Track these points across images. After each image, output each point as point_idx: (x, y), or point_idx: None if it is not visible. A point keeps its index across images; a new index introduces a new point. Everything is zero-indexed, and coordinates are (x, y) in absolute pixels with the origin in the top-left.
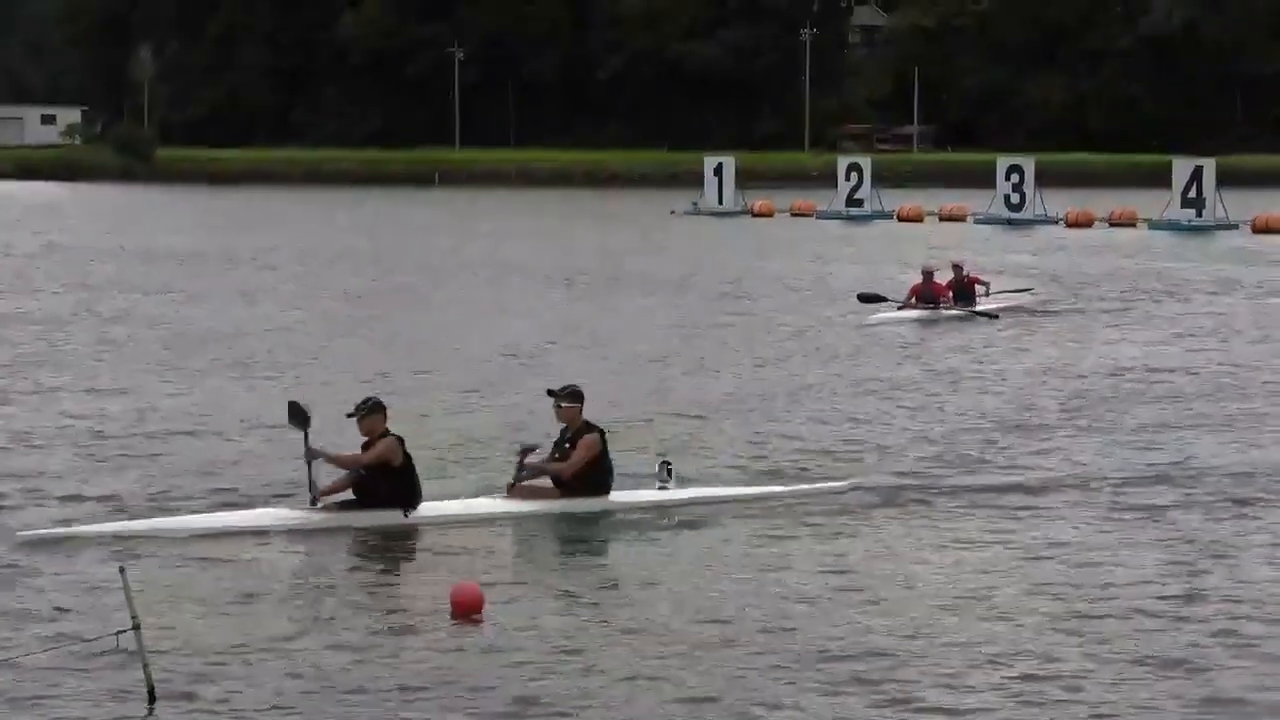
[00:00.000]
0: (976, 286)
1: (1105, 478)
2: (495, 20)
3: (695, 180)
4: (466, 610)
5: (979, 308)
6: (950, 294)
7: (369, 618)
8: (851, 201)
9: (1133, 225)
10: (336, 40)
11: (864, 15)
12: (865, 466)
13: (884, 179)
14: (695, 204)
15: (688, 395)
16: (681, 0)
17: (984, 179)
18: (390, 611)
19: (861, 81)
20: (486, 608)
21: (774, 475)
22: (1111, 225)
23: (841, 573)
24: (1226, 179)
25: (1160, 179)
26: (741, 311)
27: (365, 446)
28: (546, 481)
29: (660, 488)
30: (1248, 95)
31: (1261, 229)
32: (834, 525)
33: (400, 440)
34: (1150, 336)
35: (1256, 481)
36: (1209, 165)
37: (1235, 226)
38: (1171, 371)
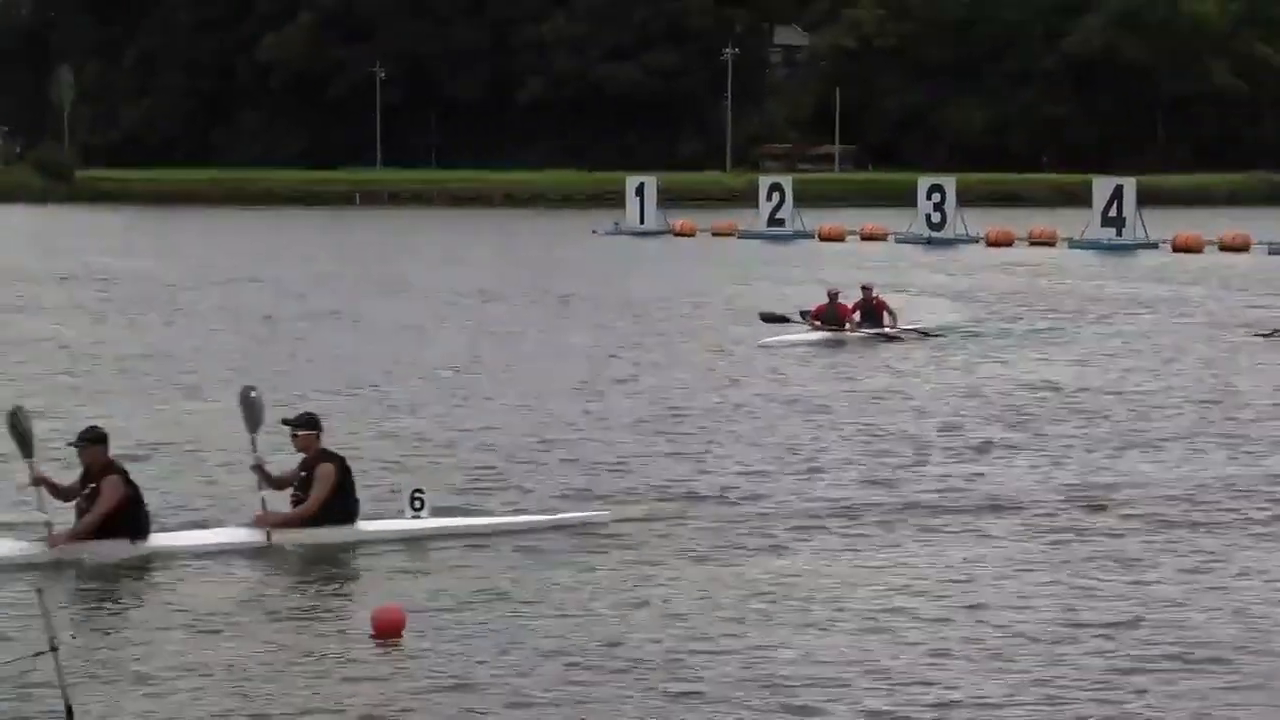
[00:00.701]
0: (885, 313)
1: (1012, 498)
2: (417, 42)
3: (618, 201)
4: (387, 632)
5: (916, 326)
6: (856, 315)
7: (289, 639)
8: (773, 221)
9: (1053, 244)
10: (258, 62)
11: (785, 35)
12: (699, 489)
13: (806, 199)
14: (617, 224)
15: (543, 418)
16: (604, 22)
17: (905, 199)
18: (309, 634)
19: (783, 102)
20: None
21: (566, 501)
22: (1032, 244)
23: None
24: (1147, 198)
25: (1081, 199)
26: (644, 331)
27: (84, 478)
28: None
29: (412, 516)
30: (1168, 116)
31: (1181, 248)
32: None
33: (123, 473)
34: (1070, 355)
35: (1179, 500)
36: (1129, 184)
37: (1155, 245)
38: (1091, 391)
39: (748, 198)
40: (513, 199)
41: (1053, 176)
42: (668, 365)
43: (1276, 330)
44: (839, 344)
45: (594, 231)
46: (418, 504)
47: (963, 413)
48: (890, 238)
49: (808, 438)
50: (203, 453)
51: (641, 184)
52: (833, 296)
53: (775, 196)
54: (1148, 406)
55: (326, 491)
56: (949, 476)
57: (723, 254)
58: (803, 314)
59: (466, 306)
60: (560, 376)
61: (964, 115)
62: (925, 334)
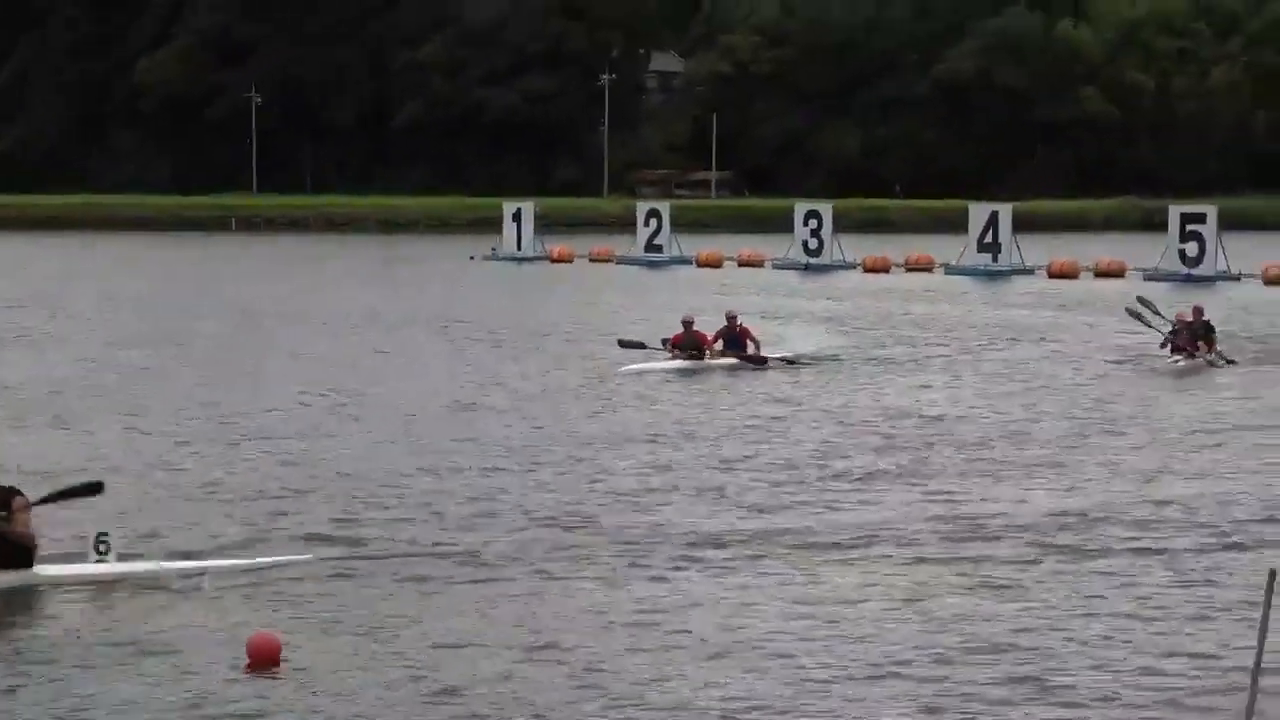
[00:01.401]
0: (748, 341)
1: (879, 525)
2: (293, 67)
3: (494, 226)
4: (262, 659)
5: (781, 355)
6: (718, 343)
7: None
8: (651, 247)
9: (930, 270)
10: (132, 85)
11: (662, 61)
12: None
13: (683, 224)
14: (494, 250)
15: (389, 449)
16: (481, 47)
17: (782, 224)
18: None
19: (659, 128)
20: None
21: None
22: (909, 270)
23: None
24: (1023, 224)
25: (957, 224)
26: (513, 357)
27: None
28: None
29: (97, 560)
30: (1046, 141)
31: (1057, 274)
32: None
33: None
34: (941, 382)
35: (1051, 528)
36: (1005, 210)
37: (1031, 271)
38: (963, 418)
39: (625, 223)
40: (389, 224)
41: (929, 203)
42: (534, 393)
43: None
44: (699, 372)
45: (471, 258)
46: (102, 548)
47: (830, 440)
48: (768, 263)
49: (666, 465)
50: None
51: (519, 209)
52: (688, 324)
53: (653, 222)
54: (1018, 433)
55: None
56: (816, 504)
57: (600, 280)
58: (663, 341)
59: (337, 333)
60: (421, 404)
61: (839, 140)
62: (790, 362)
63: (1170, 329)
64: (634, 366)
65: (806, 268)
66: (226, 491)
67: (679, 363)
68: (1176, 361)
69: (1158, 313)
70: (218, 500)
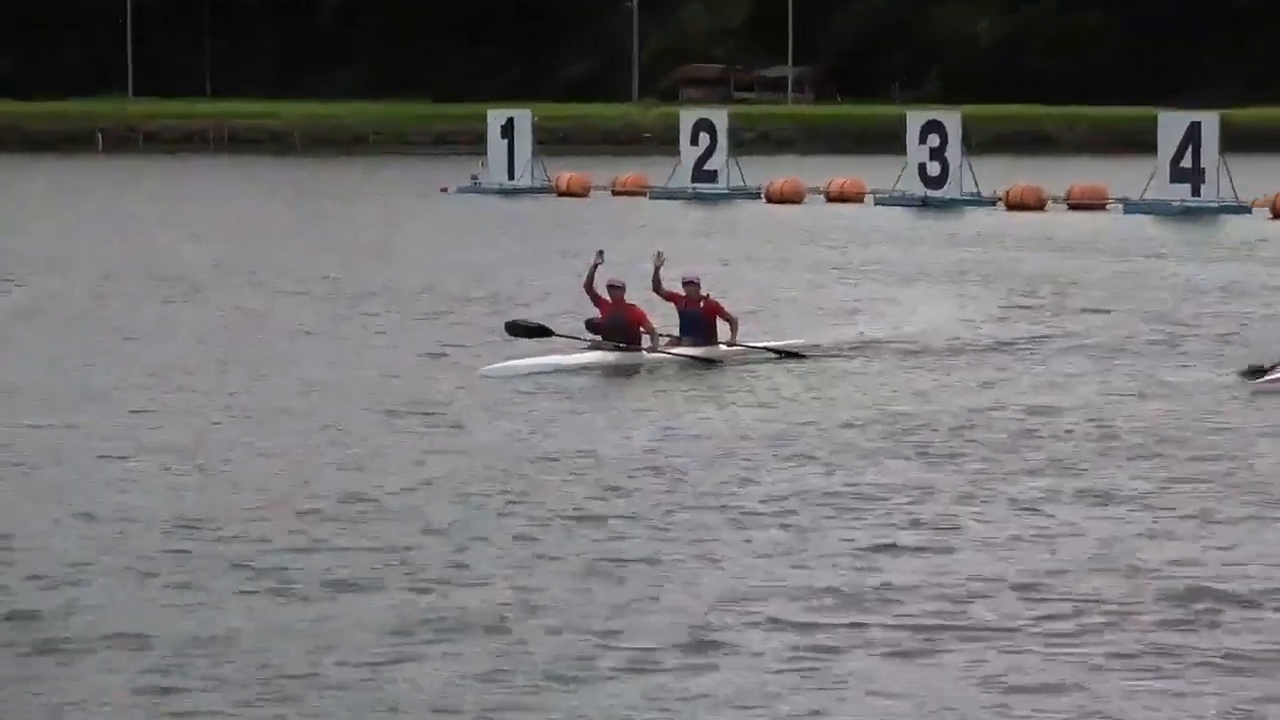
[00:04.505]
0: (717, 320)
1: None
2: None
3: (475, 144)
4: None
5: (771, 344)
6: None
7: None
8: (701, 174)
9: (1103, 207)
10: None
11: None
12: None
13: (747, 142)
14: (475, 178)
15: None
16: None
17: (889, 142)
18: None
19: (709, 6)
20: None
21: None
22: (1072, 207)
23: None
24: (1235, 140)
25: (1139, 142)
26: (458, 338)
27: None
28: None
29: None
30: (1255, 25)
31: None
32: None
33: None
34: (1158, 388)
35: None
36: (1209, 121)
37: (1247, 209)
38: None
39: (664, 141)
40: (320, 141)
41: (1098, 111)
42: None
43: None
44: (623, 374)
45: (444, 189)
46: None
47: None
48: (868, 197)
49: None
50: None
51: (510, 120)
52: (689, 285)
53: (703, 139)
54: None
55: None
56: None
57: (627, 222)
58: (588, 325)
59: (238, 299)
60: (322, 402)
61: (964, 26)
62: (784, 354)
63: None
64: (511, 365)
65: (924, 203)
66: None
67: (595, 355)
68: None
69: None
70: None
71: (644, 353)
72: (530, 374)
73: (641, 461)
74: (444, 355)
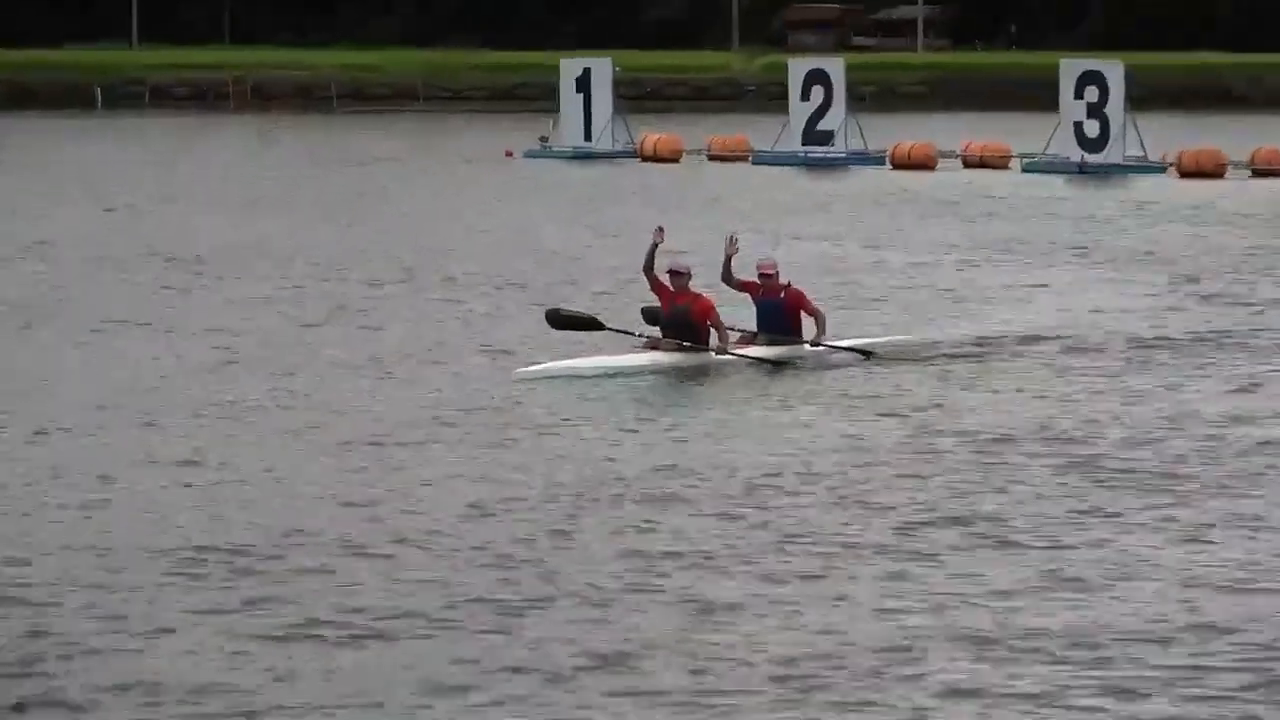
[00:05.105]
0: (802, 315)
1: None
2: None
3: (544, 99)
4: None
5: (847, 343)
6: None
7: None
8: (813, 135)
9: None
10: None
11: None
12: None
13: (869, 98)
14: (545, 140)
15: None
16: None
17: (1039, 97)
18: None
19: None
20: None
21: None
22: (1257, 174)
23: None
24: None
25: None
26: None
27: None
28: None
29: None
30: None
31: None
32: None
33: None
34: None
35: None
36: None
37: None
38: None
39: (769, 96)
40: (358, 96)
41: None
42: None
43: None
44: (685, 375)
45: (507, 153)
46: None
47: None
48: (1014, 163)
49: None
50: None
51: (587, 70)
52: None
53: (816, 93)
54: None
55: None
56: None
57: (728, 191)
58: (646, 316)
59: (254, 287)
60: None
61: None
62: (867, 354)
63: None
64: (554, 366)
65: (1081, 169)
66: None
67: (649, 358)
68: None
69: None
70: None
71: (711, 353)
72: (571, 376)
73: (723, 488)
74: (485, 351)
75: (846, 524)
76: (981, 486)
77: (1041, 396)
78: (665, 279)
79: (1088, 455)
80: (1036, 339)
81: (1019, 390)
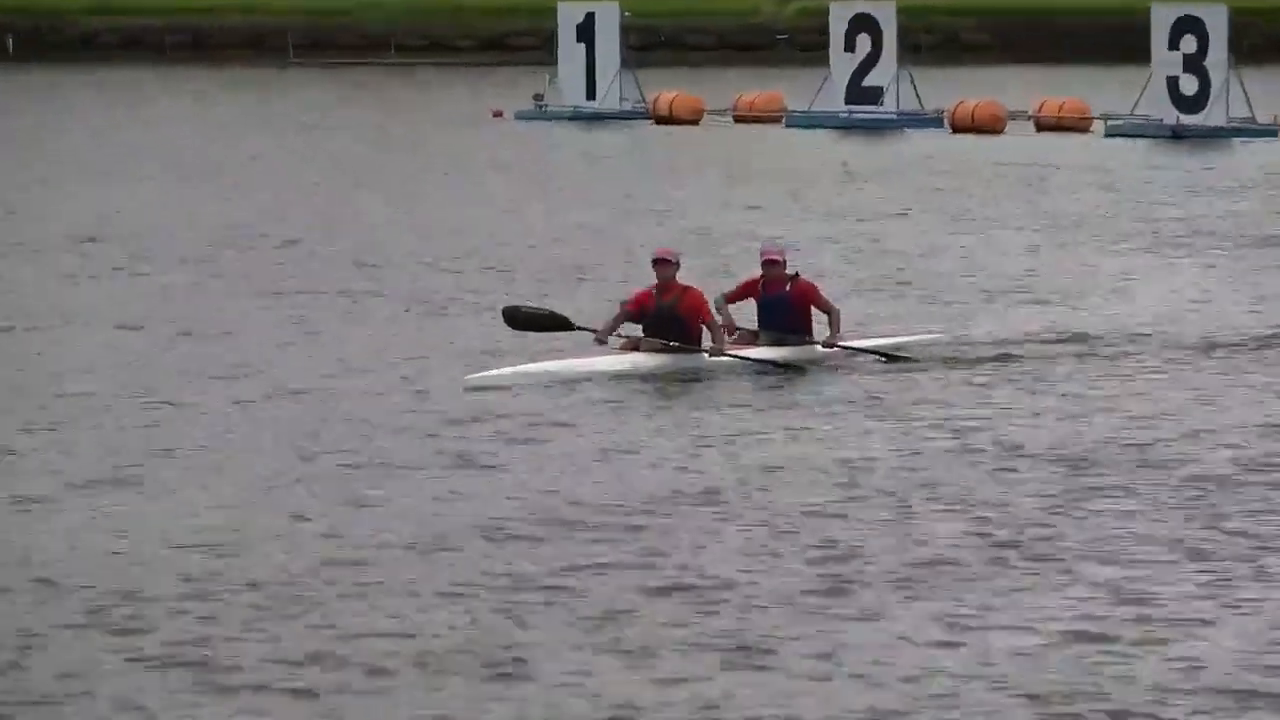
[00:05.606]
0: (812, 310)
1: None
2: None
3: (541, 50)
4: None
5: (864, 344)
6: (738, 303)
7: None
8: (858, 92)
9: None
10: None
11: None
12: None
13: (923, 49)
14: (541, 99)
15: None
16: None
17: (1127, 47)
18: None
19: None
20: None
21: None
22: None
23: None
24: None
25: None
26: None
27: None
28: None
29: None
30: None
31: None
32: None
33: None
34: None
35: None
36: None
37: None
38: None
39: (805, 47)
40: (320, 46)
41: None
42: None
43: None
44: (672, 380)
45: (496, 113)
46: None
47: None
48: (1097, 125)
49: None
50: None
51: (589, 15)
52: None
53: (862, 43)
54: None
55: None
56: None
57: (757, 159)
58: (625, 312)
59: (181, 273)
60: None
61: None
62: (891, 356)
63: None
64: (510, 372)
65: (1175, 133)
66: None
67: (629, 360)
68: None
69: None
70: None
71: (703, 355)
72: (529, 384)
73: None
74: (433, 356)
75: (861, 569)
76: (1042, 519)
77: (1121, 410)
78: (653, 270)
79: (1178, 482)
80: (1121, 336)
81: (1100, 401)
